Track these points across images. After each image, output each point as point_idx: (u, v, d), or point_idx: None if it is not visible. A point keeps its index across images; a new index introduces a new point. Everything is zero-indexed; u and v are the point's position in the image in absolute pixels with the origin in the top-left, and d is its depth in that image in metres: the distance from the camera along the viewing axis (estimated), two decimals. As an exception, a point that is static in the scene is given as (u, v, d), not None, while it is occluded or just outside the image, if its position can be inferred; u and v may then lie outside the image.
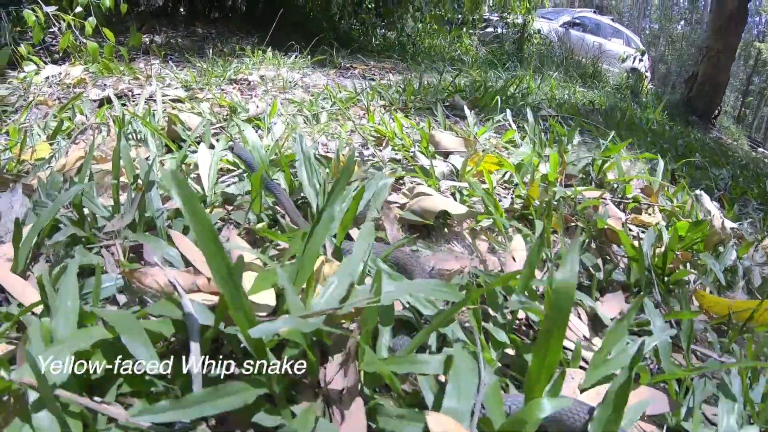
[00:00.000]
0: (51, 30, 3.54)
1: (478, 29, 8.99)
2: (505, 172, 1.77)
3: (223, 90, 2.84)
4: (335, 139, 2.07)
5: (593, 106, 4.77)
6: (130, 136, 1.81)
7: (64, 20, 3.35)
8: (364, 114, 2.46)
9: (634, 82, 9.52)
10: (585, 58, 9.21)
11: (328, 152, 1.87)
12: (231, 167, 1.54)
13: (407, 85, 3.29)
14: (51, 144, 1.75)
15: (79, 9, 3.38)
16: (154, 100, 2.53)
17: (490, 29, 9.64)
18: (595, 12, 14.13)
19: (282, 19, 4.63)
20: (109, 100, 2.53)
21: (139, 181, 1.26)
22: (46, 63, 3.43)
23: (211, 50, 4.29)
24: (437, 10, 7.45)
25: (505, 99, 3.44)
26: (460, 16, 8.15)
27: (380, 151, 1.93)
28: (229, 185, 1.40)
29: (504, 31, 9.36)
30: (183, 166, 1.49)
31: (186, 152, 1.53)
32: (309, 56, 4.39)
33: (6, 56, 3.19)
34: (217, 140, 1.62)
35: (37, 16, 3.26)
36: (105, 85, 2.88)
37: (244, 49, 4.61)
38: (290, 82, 3.12)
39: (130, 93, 2.67)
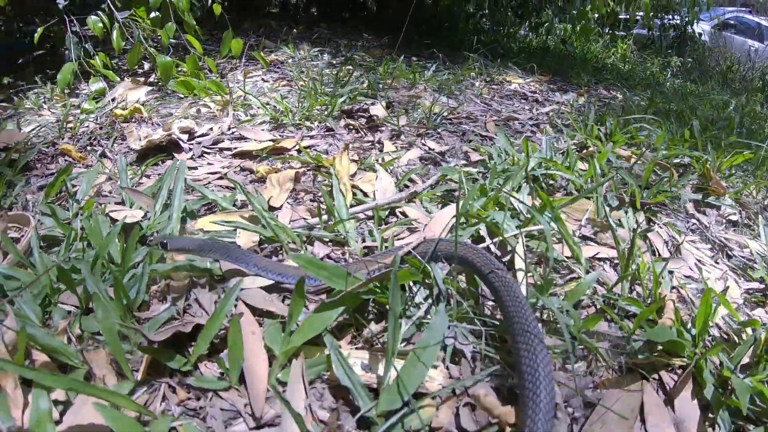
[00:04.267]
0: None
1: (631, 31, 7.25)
2: None
3: (328, 129, 1.80)
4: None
5: None
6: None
7: (139, 27, 2.50)
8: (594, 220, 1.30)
9: None
10: (746, 65, 7.10)
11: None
12: None
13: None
14: None
15: (155, 14, 2.52)
16: (214, 150, 1.57)
17: (641, 30, 7.82)
18: (750, 12, 11.58)
19: (412, 19, 3.59)
20: (150, 150, 1.59)
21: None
22: (124, 78, 2.63)
23: (330, 57, 3.31)
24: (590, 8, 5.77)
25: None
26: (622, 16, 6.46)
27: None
28: None
29: (659, 33, 7.51)
30: None
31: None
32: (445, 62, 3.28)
33: (66, 75, 2.40)
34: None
35: (103, 23, 2.44)
36: (159, 123, 1.95)
37: (365, 55, 3.62)
38: (433, 115, 2.00)
39: (186, 136, 1.71)
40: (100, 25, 2.46)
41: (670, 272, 1.07)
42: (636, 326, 0.83)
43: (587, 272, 1.01)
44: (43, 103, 2.49)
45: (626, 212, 1.30)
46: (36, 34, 2.59)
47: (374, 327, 0.82)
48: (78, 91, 2.64)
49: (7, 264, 1.05)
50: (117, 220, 1.13)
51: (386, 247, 1.03)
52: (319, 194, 1.30)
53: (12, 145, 1.88)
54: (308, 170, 1.44)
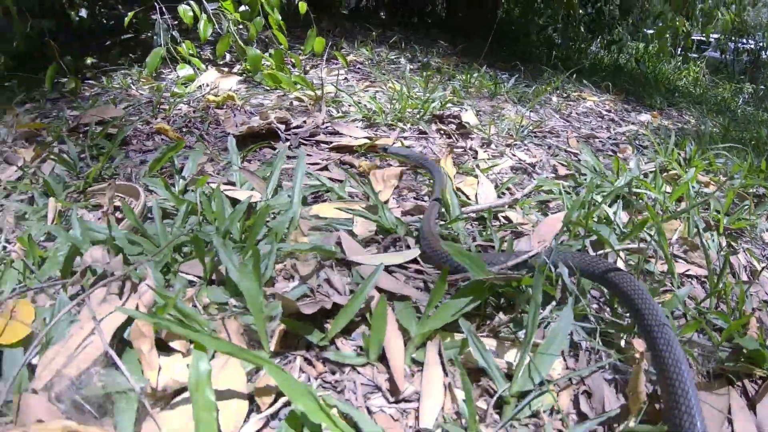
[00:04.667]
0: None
1: (704, 53, 7.04)
2: None
3: (421, 132, 1.83)
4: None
5: None
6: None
7: (227, 18, 2.58)
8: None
9: None
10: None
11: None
12: None
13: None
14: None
15: (243, 8, 2.60)
16: (311, 142, 1.61)
17: (713, 53, 7.58)
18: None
19: (483, 29, 3.59)
20: (249, 136, 1.64)
21: None
22: (207, 67, 2.72)
23: (407, 63, 3.35)
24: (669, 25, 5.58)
25: None
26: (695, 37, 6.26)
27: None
28: None
29: (732, 57, 7.26)
30: None
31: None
32: (521, 76, 3.27)
33: (156, 59, 2.49)
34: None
35: (193, 11, 2.53)
36: (253, 111, 2.01)
37: (441, 61, 3.64)
38: (519, 128, 2.01)
39: (283, 126, 1.76)
40: (191, 14, 2.55)
41: (750, 294, 1.09)
42: (725, 337, 0.87)
43: (678, 287, 1.05)
44: (131, 84, 2.59)
45: (711, 235, 1.34)
46: (126, 18, 2.70)
47: (503, 316, 0.85)
48: (163, 76, 2.74)
49: (125, 230, 1.10)
50: (231, 199, 1.18)
51: (502, 248, 1.05)
52: (423, 192, 1.33)
53: (108, 119, 1.97)
54: (407, 169, 1.47)
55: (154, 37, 2.72)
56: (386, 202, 1.23)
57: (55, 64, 2.58)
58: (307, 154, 1.60)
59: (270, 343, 0.77)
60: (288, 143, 1.67)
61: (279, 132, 1.68)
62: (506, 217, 1.26)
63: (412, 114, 1.95)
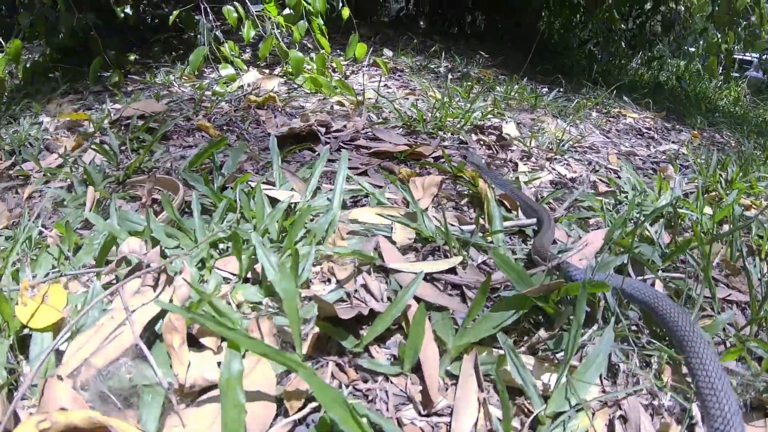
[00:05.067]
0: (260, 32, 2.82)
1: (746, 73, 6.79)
2: None
3: (462, 141, 1.80)
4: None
5: None
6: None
7: (272, 20, 2.60)
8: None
9: None
10: None
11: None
12: None
13: None
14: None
15: (288, 11, 2.61)
16: (351, 146, 1.59)
17: (755, 73, 7.32)
18: None
19: (522, 41, 3.53)
20: (289, 137, 1.64)
21: None
22: (249, 68, 2.74)
23: (447, 72, 3.33)
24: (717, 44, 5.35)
25: None
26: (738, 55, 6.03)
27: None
28: None
29: None
30: None
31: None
32: (562, 89, 3.22)
33: (199, 57, 2.52)
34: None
35: (238, 13, 2.55)
36: (293, 113, 2.01)
37: (480, 72, 3.61)
38: (560, 142, 1.96)
39: (323, 129, 1.75)
40: (235, 15, 2.58)
41: None
42: (765, 367, 0.82)
43: (719, 312, 0.99)
44: (173, 81, 2.62)
45: (753, 260, 1.26)
46: (171, 17, 2.74)
47: (543, 333, 0.81)
48: (205, 75, 2.77)
49: (162, 222, 1.10)
50: (271, 198, 1.16)
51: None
52: (462, 202, 1.29)
53: (150, 114, 1.99)
54: (446, 179, 1.44)
55: (198, 36, 2.76)
56: (426, 209, 1.20)
57: (99, 58, 2.63)
58: (348, 159, 1.58)
59: (303, 347, 0.75)
60: (328, 146, 1.66)
61: (319, 134, 1.67)
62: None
63: (453, 123, 1.92)
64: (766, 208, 1.72)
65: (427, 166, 1.50)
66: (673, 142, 2.80)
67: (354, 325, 0.79)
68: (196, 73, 2.69)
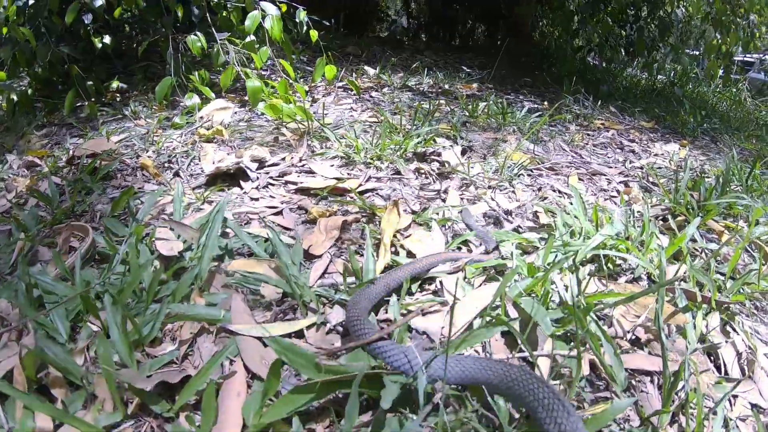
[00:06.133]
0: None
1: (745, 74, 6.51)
2: None
3: (397, 172, 1.76)
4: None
5: None
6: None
7: (235, 49, 2.60)
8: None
9: None
10: None
11: None
12: None
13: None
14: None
15: (251, 38, 2.61)
16: (280, 182, 1.57)
17: (754, 74, 7.02)
18: None
19: (516, 51, 3.46)
20: (216, 177, 1.63)
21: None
22: (223, 95, 2.76)
23: (428, 87, 3.30)
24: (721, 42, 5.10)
25: None
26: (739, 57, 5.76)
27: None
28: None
29: None
30: None
31: None
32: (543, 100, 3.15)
33: (165, 88, 2.54)
34: None
35: (201, 42, 2.57)
36: (239, 145, 2.01)
37: (464, 87, 3.56)
38: (512, 166, 1.91)
39: (256, 165, 1.74)
40: (199, 44, 2.59)
41: (734, 397, 0.89)
42: None
43: (625, 390, 0.85)
44: (141, 113, 2.64)
45: (694, 316, 1.06)
46: (140, 48, 2.77)
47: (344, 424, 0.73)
48: (179, 104, 2.78)
49: (53, 277, 1.09)
50: (158, 251, 1.15)
51: (408, 327, 0.95)
52: (364, 245, 1.26)
53: (98, 152, 2.00)
54: (363, 216, 1.40)
55: (167, 66, 2.78)
56: (321, 255, 1.17)
57: (74, 90, 2.67)
58: (271, 196, 1.56)
59: (131, 405, 0.74)
60: (257, 183, 1.64)
61: (248, 171, 1.66)
62: (442, 282, 1.13)
63: (393, 151, 1.88)
64: (738, 232, 1.58)
65: (346, 204, 1.46)
66: (655, 155, 2.71)
67: (179, 387, 0.77)
68: (165, 102, 2.71)
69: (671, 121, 3.73)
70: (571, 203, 1.66)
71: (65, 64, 2.74)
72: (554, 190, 1.80)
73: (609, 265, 1.26)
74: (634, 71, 5.58)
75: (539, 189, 1.80)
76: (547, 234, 1.41)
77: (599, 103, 3.61)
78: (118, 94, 3.08)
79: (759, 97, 5.49)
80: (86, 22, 2.76)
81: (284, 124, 2.28)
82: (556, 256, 1.23)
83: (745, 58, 6.73)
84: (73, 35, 2.91)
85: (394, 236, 1.24)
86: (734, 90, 5.32)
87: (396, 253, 1.20)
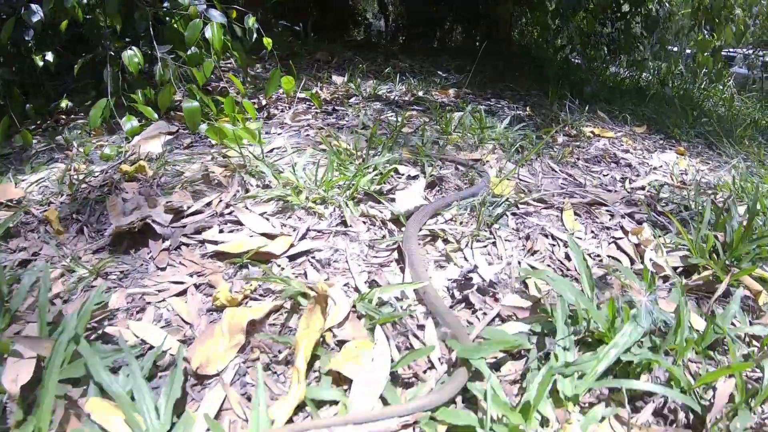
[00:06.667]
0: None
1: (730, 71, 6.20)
2: None
3: (342, 222, 1.42)
4: None
5: None
6: None
7: (169, 65, 2.26)
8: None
9: None
10: None
11: None
12: None
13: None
14: None
15: (193, 50, 2.27)
16: (196, 241, 1.24)
17: (739, 69, 6.73)
18: None
19: (494, 53, 3.15)
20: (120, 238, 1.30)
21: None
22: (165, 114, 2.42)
23: (398, 96, 2.98)
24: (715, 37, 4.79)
25: None
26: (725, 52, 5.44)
27: None
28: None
29: (760, 74, 6.40)
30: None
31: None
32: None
33: (99, 112, 2.19)
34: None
35: (138, 58, 2.22)
36: (166, 182, 1.67)
37: (440, 93, 3.24)
38: (493, 201, 1.58)
39: (170, 217, 1.40)
40: (136, 60, 2.24)
41: None
42: None
43: None
44: (74, 140, 2.30)
45: None
46: (76, 66, 2.43)
47: None
48: (121, 128, 2.44)
49: None
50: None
51: None
52: (280, 358, 0.92)
53: (3, 202, 1.68)
54: (290, 299, 1.07)
55: (104, 86, 2.44)
56: (218, 374, 0.85)
57: (6, 118, 2.32)
58: (181, 263, 1.23)
59: None
60: (168, 243, 1.31)
61: (157, 228, 1.32)
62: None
63: (342, 189, 1.55)
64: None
65: (268, 281, 1.13)
66: (654, 170, 2.39)
67: None
68: (106, 126, 2.36)
69: (662, 124, 3.41)
70: (569, 257, 1.34)
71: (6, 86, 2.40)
72: (546, 235, 1.47)
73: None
74: (617, 69, 5.27)
75: (527, 237, 1.46)
76: (540, 325, 1.06)
77: (586, 107, 3.29)
78: (63, 116, 2.73)
79: (744, 92, 5.21)
80: (26, 39, 2.42)
81: (225, 151, 1.95)
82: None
83: (729, 53, 6.47)
84: (10, 56, 2.57)
85: (323, 341, 0.91)
86: (720, 87, 5.03)
87: (318, 379, 0.87)
